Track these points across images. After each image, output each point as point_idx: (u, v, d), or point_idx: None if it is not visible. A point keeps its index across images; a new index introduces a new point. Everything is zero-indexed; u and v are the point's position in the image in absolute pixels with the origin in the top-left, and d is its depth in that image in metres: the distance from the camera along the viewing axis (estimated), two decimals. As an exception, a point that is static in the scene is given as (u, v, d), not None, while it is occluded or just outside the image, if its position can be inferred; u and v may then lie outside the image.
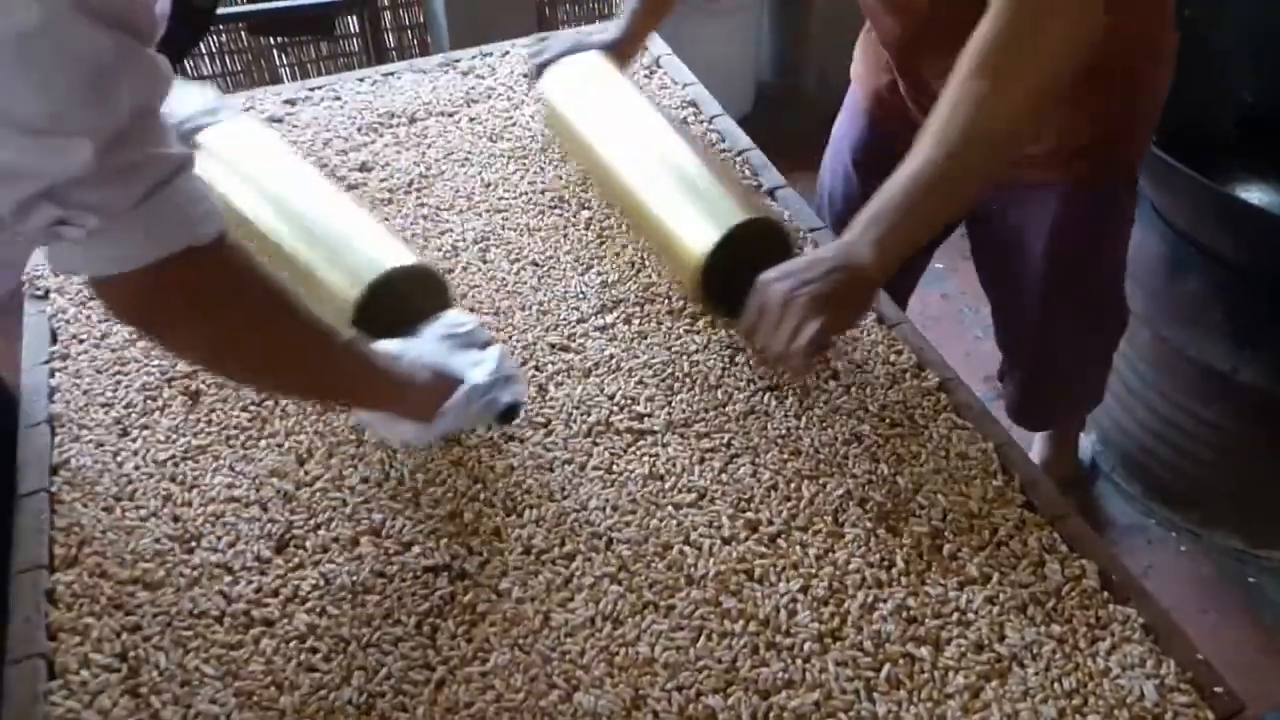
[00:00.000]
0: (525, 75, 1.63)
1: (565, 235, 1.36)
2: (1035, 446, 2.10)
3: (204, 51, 3.29)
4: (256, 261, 0.85)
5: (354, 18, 3.08)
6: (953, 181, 1.06)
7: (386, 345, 1.03)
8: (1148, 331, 1.92)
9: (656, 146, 1.30)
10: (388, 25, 3.35)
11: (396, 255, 1.15)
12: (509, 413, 1.07)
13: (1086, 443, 2.20)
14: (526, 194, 1.43)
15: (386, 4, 3.33)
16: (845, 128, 1.65)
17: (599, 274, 1.30)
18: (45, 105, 0.66)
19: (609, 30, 1.54)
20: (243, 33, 3.25)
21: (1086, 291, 1.58)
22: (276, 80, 3.41)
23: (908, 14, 1.30)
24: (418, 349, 1.04)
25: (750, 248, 1.16)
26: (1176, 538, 2.04)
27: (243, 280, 0.84)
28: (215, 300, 0.82)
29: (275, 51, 3.38)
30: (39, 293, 1.29)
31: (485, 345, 1.08)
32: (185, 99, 1.33)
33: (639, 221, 1.31)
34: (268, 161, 1.29)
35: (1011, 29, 1.03)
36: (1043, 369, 1.74)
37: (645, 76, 1.67)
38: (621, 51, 1.53)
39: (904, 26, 1.32)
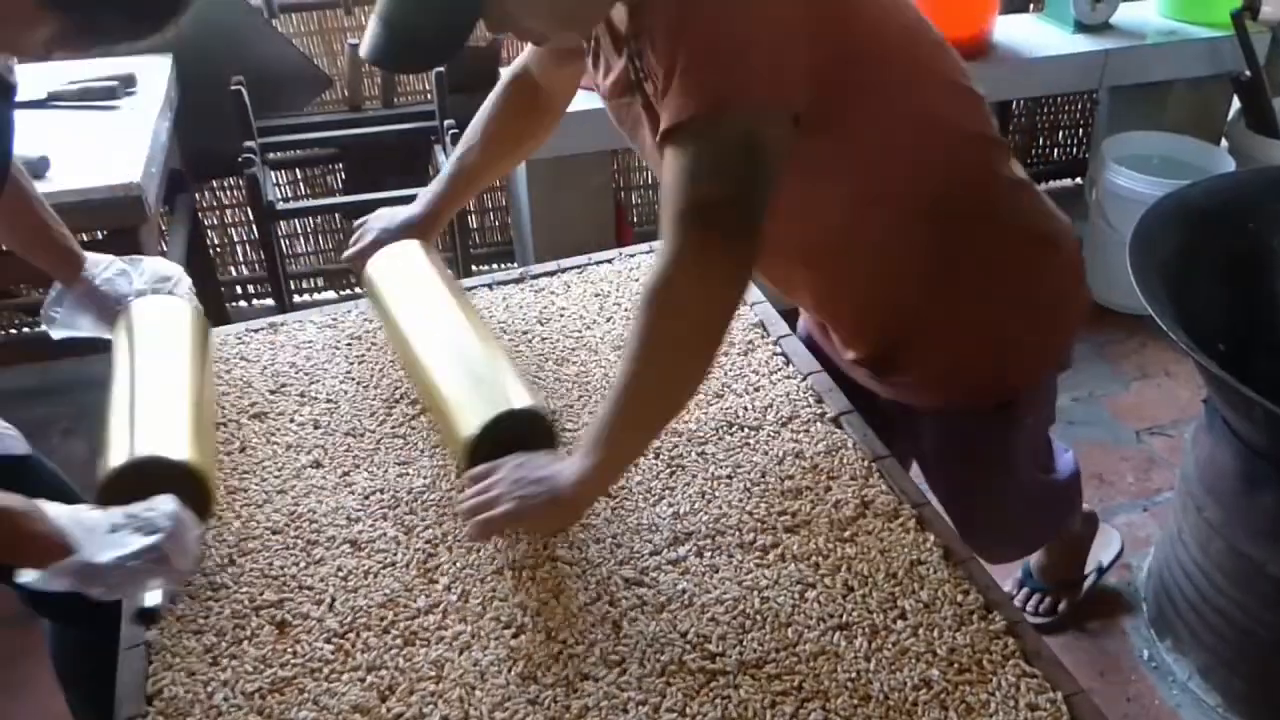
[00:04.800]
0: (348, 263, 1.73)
1: (636, 465, 1.40)
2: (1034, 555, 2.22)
3: (299, 232, 3.47)
4: None
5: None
6: (634, 417, 1.20)
7: (60, 507, 1.15)
8: (1224, 543, 1.91)
9: (450, 337, 1.46)
10: (471, 208, 3.50)
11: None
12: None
13: (1099, 551, 2.28)
14: (590, 422, 1.48)
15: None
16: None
17: (670, 505, 1.34)
18: None
19: (416, 207, 1.68)
20: (337, 216, 3.42)
21: (988, 509, 1.67)
22: (363, 259, 3.56)
23: None
24: (81, 516, 1.15)
25: (518, 427, 1.31)
26: (1259, 752, 1.99)
27: None
28: None
29: (364, 233, 3.53)
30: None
31: (152, 533, 1.15)
32: (152, 268, 1.59)
33: (429, 402, 1.45)
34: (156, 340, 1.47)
35: (667, 270, 1.12)
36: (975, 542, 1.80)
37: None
38: (427, 229, 1.67)
39: None
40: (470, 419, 1.31)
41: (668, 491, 1.36)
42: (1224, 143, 3.35)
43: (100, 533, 1.14)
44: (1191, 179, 2.13)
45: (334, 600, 1.23)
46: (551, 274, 1.84)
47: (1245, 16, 3.03)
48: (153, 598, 1.17)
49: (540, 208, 2.91)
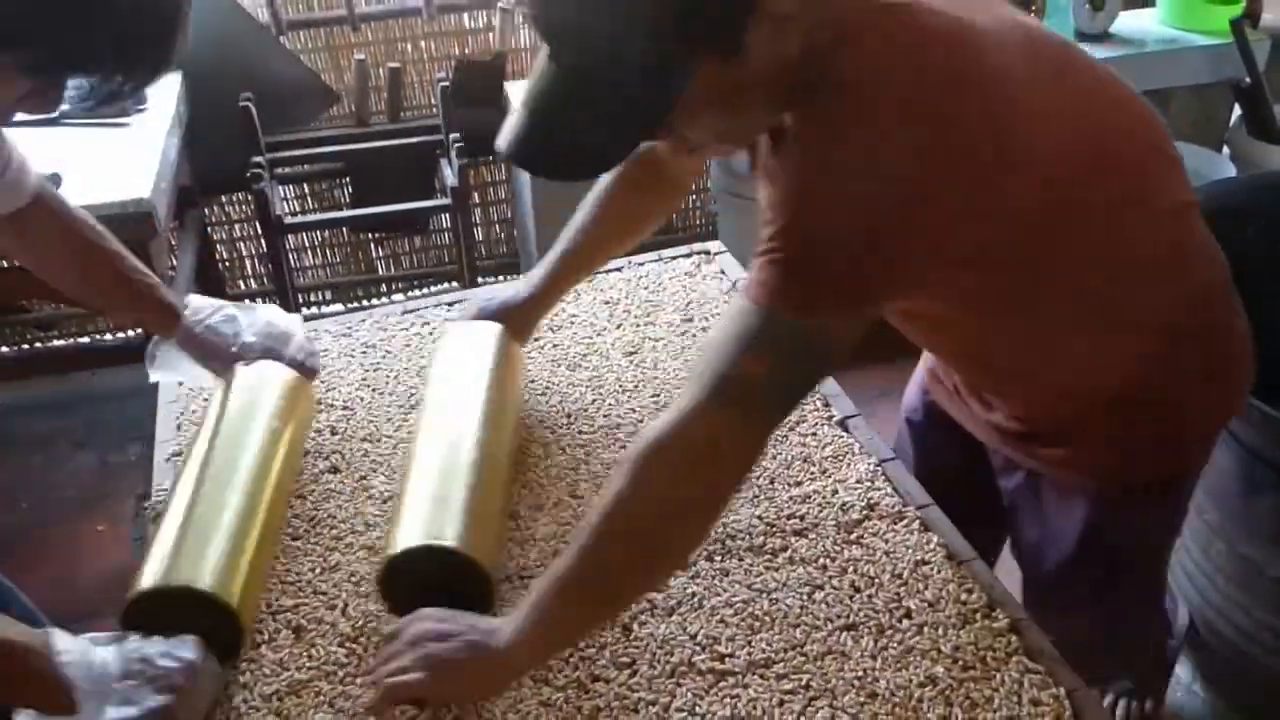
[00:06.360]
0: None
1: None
2: None
3: (306, 245, 3.50)
4: None
5: (446, 215, 3.25)
6: (590, 587, 1.06)
7: (72, 642, 1.05)
8: (1224, 545, 1.93)
9: (457, 443, 1.32)
10: (477, 220, 3.53)
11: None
12: None
13: None
14: (604, 427, 1.51)
15: (477, 202, 3.51)
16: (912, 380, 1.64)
17: (681, 508, 1.35)
18: None
19: (520, 287, 1.53)
20: (344, 230, 3.46)
21: (1114, 603, 1.46)
22: (372, 269, 3.60)
23: None
24: (93, 657, 1.04)
25: (453, 572, 1.19)
26: (1265, 753, 2.00)
27: None
28: None
29: (373, 244, 3.58)
30: (153, 514, 1.38)
31: (163, 690, 1.05)
32: (265, 317, 1.47)
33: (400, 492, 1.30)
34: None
35: (680, 429, 1.00)
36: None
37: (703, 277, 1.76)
38: (529, 312, 1.53)
39: None
40: (401, 536, 1.21)
41: (678, 495, 1.38)
42: (1226, 150, 3.36)
43: (108, 682, 1.03)
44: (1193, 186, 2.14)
45: (346, 605, 1.25)
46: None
47: (1245, 24, 3.05)
48: None
49: (545, 219, 2.92)
